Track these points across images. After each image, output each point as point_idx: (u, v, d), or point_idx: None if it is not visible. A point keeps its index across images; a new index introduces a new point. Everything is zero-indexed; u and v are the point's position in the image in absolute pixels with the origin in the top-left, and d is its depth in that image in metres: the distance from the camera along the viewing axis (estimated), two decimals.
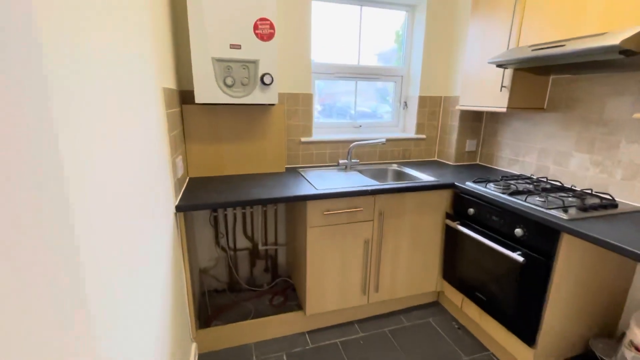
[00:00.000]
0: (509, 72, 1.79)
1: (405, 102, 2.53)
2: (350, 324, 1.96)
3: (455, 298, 1.94)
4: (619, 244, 1.10)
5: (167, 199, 1.28)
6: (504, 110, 1.82)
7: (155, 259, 1.03)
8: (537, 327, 1.42)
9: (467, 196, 1.78)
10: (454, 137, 2.36)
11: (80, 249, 0.54)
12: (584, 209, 1.38)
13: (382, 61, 2.48)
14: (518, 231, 1.47)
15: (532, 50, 1.50)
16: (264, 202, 1.54)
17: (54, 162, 0.48)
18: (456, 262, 1.88)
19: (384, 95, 2.54)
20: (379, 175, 2.29)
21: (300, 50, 2.06)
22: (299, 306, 1.96)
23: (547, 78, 1.87)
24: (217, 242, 2.14)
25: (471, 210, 1.74)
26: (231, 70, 1.67)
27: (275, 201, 1.56)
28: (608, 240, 1.13)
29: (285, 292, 2.16)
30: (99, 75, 0.67)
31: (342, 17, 2.27)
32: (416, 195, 1.82)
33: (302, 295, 1.86)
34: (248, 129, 1.96)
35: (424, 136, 2.48)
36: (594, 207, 1.41)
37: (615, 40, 1.17)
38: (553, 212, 1.37)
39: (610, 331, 1.62)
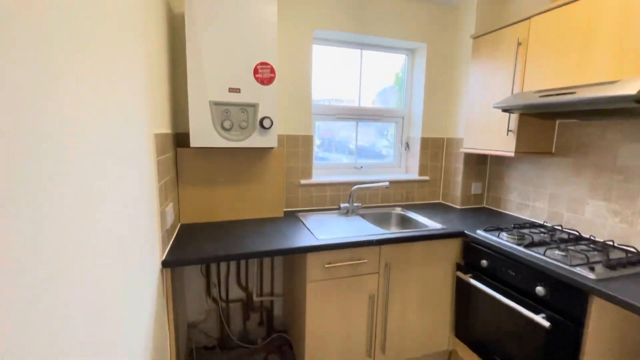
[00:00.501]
0: (514, 116, 1.74)
1: (407, 143, 2.48)
2: None
3: (470, 359, 1.75)
4: None
5: (152, 253, 1.16)
6: (512, 154, 1.75)
7: (134, 322, 0.88)
8: None
9: (478, 246, 1.66)
10: (458, 179, 2.28)
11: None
12: (611, 266, 1.26)
13: (382, 102, 2.46)
14: (540, 290, 1.33)
15: (540, 96, 1.45)
16: (260, 256, 1.41)
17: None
18: (470, 319, 1.71)
19: (382, 131, 2.49)
20: (382, 220, 2.17)
21: (301, 93, 2.03)
22: None
23: (554, 122, 1.83)
24: (209, 293, 1.97)
25: (484, 262, 1.61)
26: (229, 113, 1.61)
27: (273, 254, 1.43)
28: None
29: (282, 350, 1.96)
30: (82, 126, 0.59)
31: (343, 59, 2.28)
32: (424, 244, 1.70)
33: (301, 354, 1.66)
34: (245, 172, 1.87)
35: (427, 178, 2.40)
36: (622, 264, 1.28)
37: (631, 90, 1.12)
38: (578, 269, 1.25)
39: None
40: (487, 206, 2.32)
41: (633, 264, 1.30)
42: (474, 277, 1.65)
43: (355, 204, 2.08)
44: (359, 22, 2.08)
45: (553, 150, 1.84)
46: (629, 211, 1.52)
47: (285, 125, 2.03)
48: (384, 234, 1.65)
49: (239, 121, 1.63)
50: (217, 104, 1.58)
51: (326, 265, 1.52)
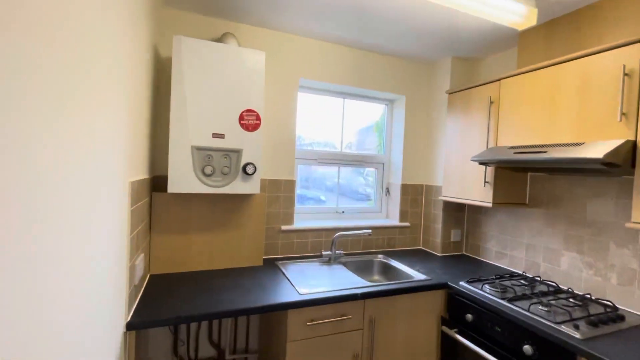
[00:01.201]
0: (490, 168, 1.82)
1: (388, 189, 2.52)
2: None
3: None
4: None
5: (117, 314, 1.03)
6: (490, 205, 1.80)
7: None
8: None
9: (462, 299, 1.63)
10: (438, 226, 2.31)
11: None
12: (593, 323, 1.27)
13: (361, 142, 2.51)
14: (527, 349, 1.30)
15: (515, 153, 1.54)
16: (238, 314, 1.30)
17: None
18: None
19: (359, 170, 2.51)
20: (365, 268, 2.12)
21: (285, 138, 2.04)
22: None
23: (526, 175, 1.93)
24: (175, 352, 1.77)
25: (469, 316, 1.58)
26: (211, 159, 1.57)
27: (252, 312, 1.32)
28: None
29: None
30: (55, 181, 0.52)
31: (326, 106, 2.35)
32: (408, 297, 1.65)
33: None
34: (224, 219, 1.79)
35: (408, 224, 2.41)
36: (603, 321, 1.29)
37: (598, 154, 1.20)
38: (563, 327, 1.24)
39: None
40: (466, 253, 2.34)
41: (613, 320, 1.32)
42: (460, 332, 1.60)
43: (337, 252, 2.03)
44: (341, 74, 2.17)
45: (527, 201, 1.92)
46: (601, 264, 1.57)
47: (268, 169, 2.00)
48: (368, 286, 1.59)
49: (221, 167, 1.59)
50: (199, 149, 1.54)
51: (308, 323, 1.42)
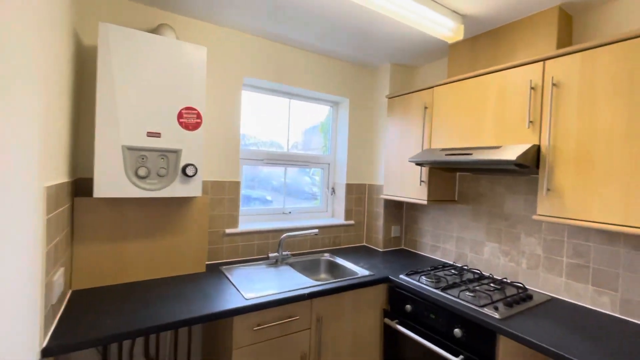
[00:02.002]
0: (425, 169, 1.98)
1: (333, 189, 2.58)
2: None
3: None
4: (555, 350, 1.13)
5: (30, 338, 0.89)
6: (425, 202, 1.96)
7: None
8: None
9: (402, 291, 1.75)
10: (380, 223, 2.43)
11: None
12: (509, 304, 1.45)
13: (307, 142, 2.54)
14: (457, 332, 1.44)
15: (446, 154, 1.69)
16: (178, 326, 1.22)
17: None
18: None
19: (306, 170, 2.54)
20: (311, 268, 2.14)
21: (229, 138, 1.96)
22: None
23: (454, 175, 2.13)
24: None
25: (408, 307, 1.69)
26: (146, 160, 1.45)
27: (194, 322, 1.25)
28: (541, 344, 1.16)
29: None
30: None
31: (271, 106, 2.32)
32: (353, 293, 1.71)
33: None
34: (162, 224, 1.66)
35: (352, 222, 2.50)
36: (516, 301, 1.49)
37: (511, 156, 1.38)
38: (486, 310, 1.40)
39: None
40: (405, 248, 2.50)
41: (524, 299, 1.53)
42: (400, 323, 1.71)
43: (284, 253, 2.02)
44: (287, 74, 2.16)
45: (456, 199, 2.13)
46: (515, 252, 1.81)
47: (211, 171, 1.91)
48: (314, 285, 1.62)
49: (157, 168, 1.48)
50: (131, 149, 1.41)
51: (255, 328, 1.39)
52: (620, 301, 1.42)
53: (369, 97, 2.58)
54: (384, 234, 2.41)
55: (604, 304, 1.47)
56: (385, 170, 2.26)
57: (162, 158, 1.49)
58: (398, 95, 2.19)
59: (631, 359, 1.09)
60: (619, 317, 1.41)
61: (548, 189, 1.41)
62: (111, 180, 1.37)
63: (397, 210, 2.48)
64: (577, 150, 1.32)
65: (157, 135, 1.47)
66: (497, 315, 1.35)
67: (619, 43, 1.22)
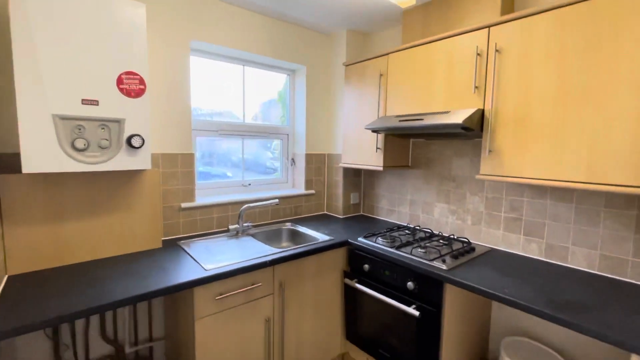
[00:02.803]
0: (381, 136, 2.03)
1: (293, 159, 2.57)
2: None
3: (360, 358, 1.90)
4: (487, 290, 1.28)
5: None
6: (381, 168, 2.03)
7: None
8: None
9: (360, 252, 1.84)
10: (339, 191, 2.49)
11: None
12: (455, 256, 1.60)
13: (266, 116, 2.48)
14: (410, 285, 1.57)
15: (400, 120, 1.74)
16: (134, 301, 1.18)
17: None
18: (357, 321, 1.87)
19: (266, 143, 2.51)
20: (274, 237, 2.16)
21: (178, 107, 1.84)
22: None
23: (408, 141, 2.22)
24: (59, 357, 1.53)
25: (366, 267, 1.80)
26: (83, 130, 1.32)
27: (150, 296, 1.22)
28: (479, 287, 1.30)
29: None
30: None
31: (226, 74, 2.20)
32: (314, 257, 1.77)
33: None
34: (109, 200, 1.56)
35: (313, 192, 2.53)
36: (461, 253, 1.65)
37: (458, 119, 1.46)
38: (435, 263, 1.53)
39: (484, 356, 1.86)
40: (364, 213, 2.61)
41: (468, 252, 1.69)
42: (359, 282, 1.81)
43: (245, 224, 2.00)
44: (239, 38, 2.04)
45: (410, 164, 2.23)
46: (461, 210, 1.97)
47: (161, 143, 1.80)
48: (276, 252, 1.64)
49: (98, 139, 1.35)
50: (64, 118, 1.27)
51: (217, 298, 1.40)
52: (545, 246, 1.63)
53: (326, 65, 2.54)
54: (343, 202, 2.49)
55: (532, 250, 1.67)
56: (344, 139, 2.28)
57: (103, 128, 1.37)
58: (354, 63, 2.18)
59: (549, 291, 1.26)
60: (544, 260, 1.62)
61: (490, 150, 1.52)
62: (43, 154, 1.24)
63: (356, 178, 2.55)
64: (515, 113, 1.43)
65: (94, 102, 1.33)
66: (444, 267, 1.48)
67: (552, 11, 1.30)
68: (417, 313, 1.49)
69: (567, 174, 1.29)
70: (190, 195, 1.92)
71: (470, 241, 1.90)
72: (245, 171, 2.35)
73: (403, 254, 1.66)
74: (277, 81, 2.50)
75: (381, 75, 2.00)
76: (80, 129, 1.31)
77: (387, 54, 1.96)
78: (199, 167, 2.12)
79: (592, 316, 1.09)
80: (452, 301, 1.51)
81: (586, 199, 1.50)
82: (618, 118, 1.16)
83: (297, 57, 2.36)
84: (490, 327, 1.87)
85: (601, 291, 1.28)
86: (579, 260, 1.52)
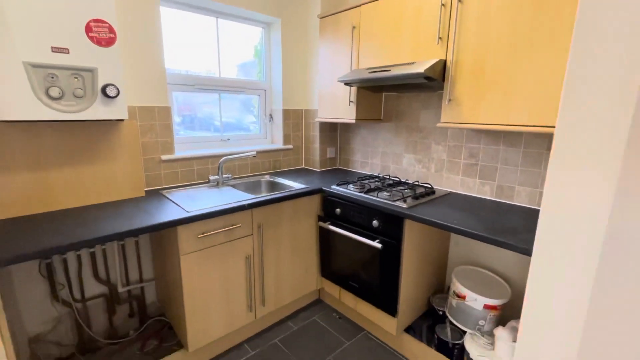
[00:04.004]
0: (354, 89, 2.11)
1: (271, 115, 2.63)
2: (239, 346, 1.88)
3: (333, 291, 2.14)
4: (438, 221, 1.46)
5: None
6: (353, 121, 2.14)
7: None
8: (396, 299, 1.73)
9: (333, 198, 1.99)
10: (316, 146, 2.60)
11: None
12: (415, 197, 1.78)
13: (244, 75, 2.49)
14: (375, 223, 1.75)
15: (369, 72, 1.82)
16: (123, 237, 1.31)
17: None
18: (331, 258, 2.07)
19: (249, 107, 2.56)
20: (253, 187, 2.29)
21: (151, 59, 1.84)
22: (180, 344, 1.75)
23: (381, 95, 2.31)
24: (56, 296, 1.67)
25: (338, 211, 1.96)
26: (56, 79, 1.35)
27: (137, 233, 1.34)
28: (431, 219, 1.49)
29: (160, 334, 1.88)
30: None
31: (200, 27, 2.17)
32: (291, 203, 1.92)
33: (182, 331, 1.66)
34: (89, 150, 1.62)
35: (291, 146, 2.63)
36: (422, 195, 1.82)
37: (420, 69, 1.56)
38: (397, 203, 1.70)
39: (442, 287, 2.12)
40: (340, 167, 2.75)
41: (428, 194, 1.87)
42: (332, 224, 1.99)
43: (225, 176, 2.11)
44: None
45: (382, 117, 2.34)
46: (426, 159, 2.13)
47: (136, 95, 1.82)
48: (254, 198, 1.77)
49: (72, 89, 1.39)
50: (36, 66, 1.29)
51: (199, 236, 1.54)
52: (496, 188, 1.82)
53: (302, 17, 2.52)
54: (320, 156, 2.60)
55: (485, 192, 1.87)
56: (319, 94, 2.35)
57: (76, 77, 1.40)
58: (329, 15, 2.19)
59: (491, 221, 1.46)
60: (495, 200, 1.82)
61: (450, 99, 1.64)
62: (17, 102, 1.27)
63: (332, 133, 2.65)
64: (474, 62, 1.53)
65: (64, 50, 1.34)
66: (404, 205, 1.66)
67: None
68: (379, 245, 1.68)
69: (516, 118, 1.43)
70: (170, 148, 1.99)
71: (433, 186, 2.08)
72: (228, 131, 2.40)
73: (370, 197, 1.82)
74: (252, 36, 2.48)
75: (354, 27, 2.03)
76: (53, 77, 1.34)
77: (360, 5, 1.98)
78: (179, 132, 2.17)
79: (520, 237, 1.29)
80: (411, 235, 1.70)
81: (531, 142, 1.66)
82: (559, 64, 1.28)
83: (272, 9, 2.33)
84: (448, 260, 2.11)
85: (534, 221, 1.49)
86: (522, 197, 1.72)
